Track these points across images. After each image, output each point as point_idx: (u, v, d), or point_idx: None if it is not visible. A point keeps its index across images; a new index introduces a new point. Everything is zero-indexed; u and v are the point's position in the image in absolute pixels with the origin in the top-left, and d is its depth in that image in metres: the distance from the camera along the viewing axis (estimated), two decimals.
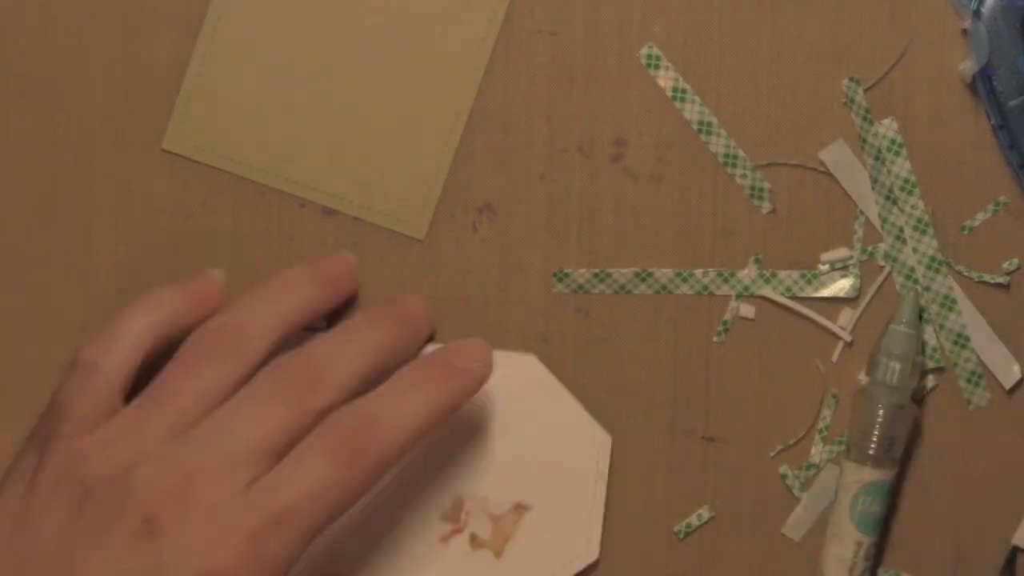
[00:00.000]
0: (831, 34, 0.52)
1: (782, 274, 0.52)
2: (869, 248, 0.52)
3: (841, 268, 0.52)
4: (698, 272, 0.52)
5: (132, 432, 0.47)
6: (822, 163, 0.52)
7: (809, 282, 0.52)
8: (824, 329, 0.52)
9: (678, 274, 0.52)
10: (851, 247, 0.52)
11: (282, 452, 0.47)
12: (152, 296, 0.50)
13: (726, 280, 0.52)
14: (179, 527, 0.45)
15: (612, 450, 0.53)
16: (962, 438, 0.53)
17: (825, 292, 0.52)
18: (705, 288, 0.52)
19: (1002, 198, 0.52)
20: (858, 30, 0.52)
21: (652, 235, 0.53)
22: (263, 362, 0.48)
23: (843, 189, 0.52)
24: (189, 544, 0.45)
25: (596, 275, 0.53)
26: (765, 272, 0.52)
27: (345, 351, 0.48)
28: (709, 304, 0.53)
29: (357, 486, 0.47)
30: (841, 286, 0.52)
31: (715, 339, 0.52)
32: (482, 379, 0.50)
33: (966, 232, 0.52)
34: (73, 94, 0.53)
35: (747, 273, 0.52)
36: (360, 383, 0.48)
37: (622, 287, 0.53)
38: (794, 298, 0.52)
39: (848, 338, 0.52)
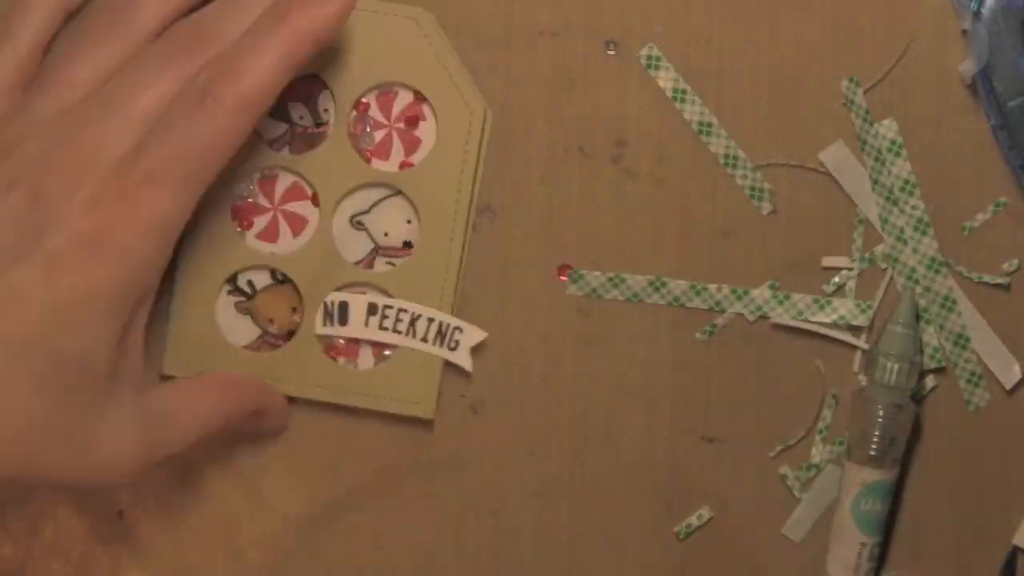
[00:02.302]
0: (831, 34, 0.52)
1: (795, 297, 0.52)
2: (867, 255, 0.52)
3: (844, 282, 0.52)
4: (712, 287, 0.52)
5: (21, 111, 0.48)
6: (822, 164, 0.52)
7: (822, 308, 0.52)
8: (827, 336, 0.52)
9: (692, 287, 0.52)
10: (851, 248, 0.52)
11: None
12: None
13: (739, 298, 0.52)
14: (61, 194, 0.46)
15: (613, 451, 0.53)
16: (962, 438, 0.53)
17: (836, 317, 0.52)
18: (718, 304, 0.52)
19: (1002, 199, 0.52)
20: (858, 30, 0.52)
21: (652, 235, 0.53)
22: (151, 36, 0.49)
23: (843, 190, 0.52)
24: (67, 208, 0.45)
25: (611, 280, 0.53)
26: (779, 294, 0.52)
27: (237, 17, 0.48)
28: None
29: (224, 133, 0.47)
30: (852, 313, 0.52)
31: (698, 335, 0.52)
32: (346, 4, 0.48)
33: (966, 232, 0.52)
34: None
35: (760, 293, 0.52)
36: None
37: (635, 295, 0.53)
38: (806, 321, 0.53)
39: (864, 346, 0.52)
